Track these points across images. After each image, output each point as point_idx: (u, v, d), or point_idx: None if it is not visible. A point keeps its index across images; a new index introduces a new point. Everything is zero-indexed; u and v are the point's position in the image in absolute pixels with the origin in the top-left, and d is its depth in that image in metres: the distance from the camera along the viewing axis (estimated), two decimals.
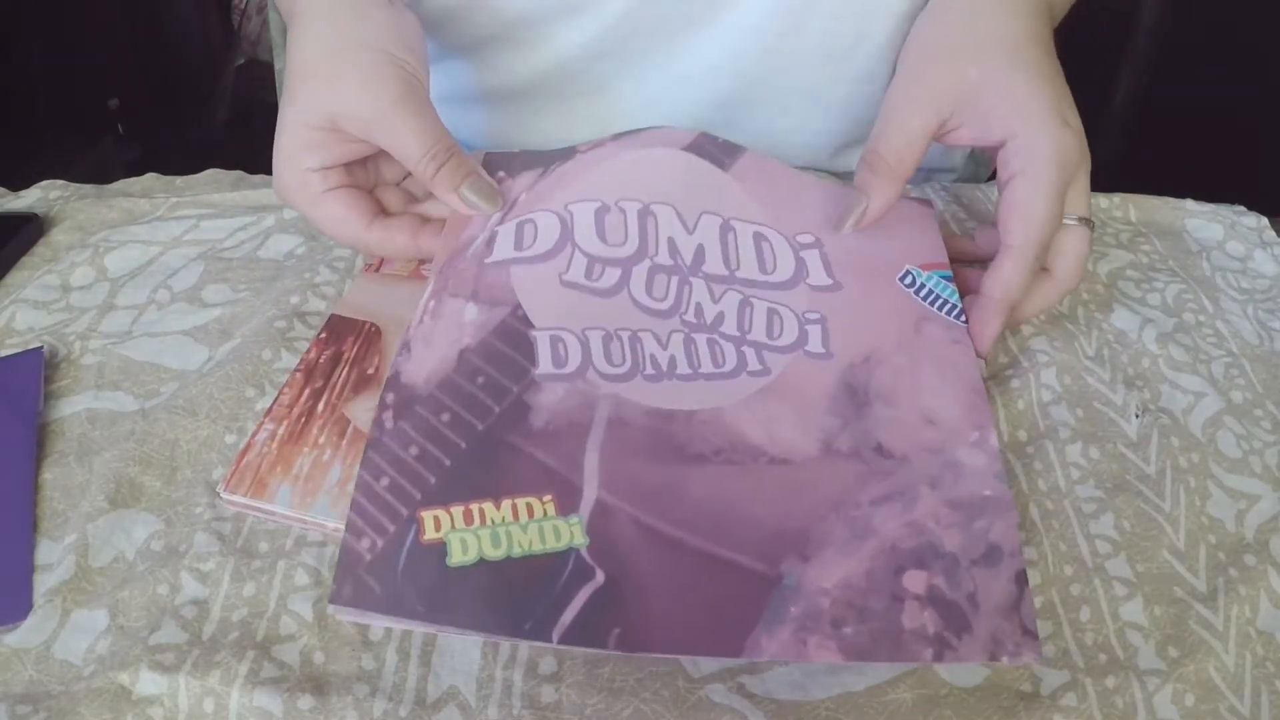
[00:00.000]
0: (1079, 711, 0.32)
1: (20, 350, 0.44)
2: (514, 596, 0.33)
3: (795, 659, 0.32)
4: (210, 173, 0.56)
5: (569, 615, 0.32)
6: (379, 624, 0.34)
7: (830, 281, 0.43)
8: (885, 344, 0.41)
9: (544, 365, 0.39)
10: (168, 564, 0.36)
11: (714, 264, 0.43)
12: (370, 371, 0.41)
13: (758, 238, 0.44)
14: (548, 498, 0.35)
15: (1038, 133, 0.41)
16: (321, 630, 0.34)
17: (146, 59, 1.53)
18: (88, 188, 0.55)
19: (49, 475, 0.39)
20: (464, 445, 0.36)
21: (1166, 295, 0.48)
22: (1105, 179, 0.58)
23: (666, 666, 0.33)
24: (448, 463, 0.36)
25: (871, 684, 0.33)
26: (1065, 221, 0.42)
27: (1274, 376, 0.44)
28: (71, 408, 0.42)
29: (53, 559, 0.36)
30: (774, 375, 0.40)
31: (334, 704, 0.32)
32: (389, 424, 0.37)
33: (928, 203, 0.48)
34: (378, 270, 0.47)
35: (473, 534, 0.34)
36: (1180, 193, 0.55)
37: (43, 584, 0.36)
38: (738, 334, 0.41)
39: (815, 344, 0.41)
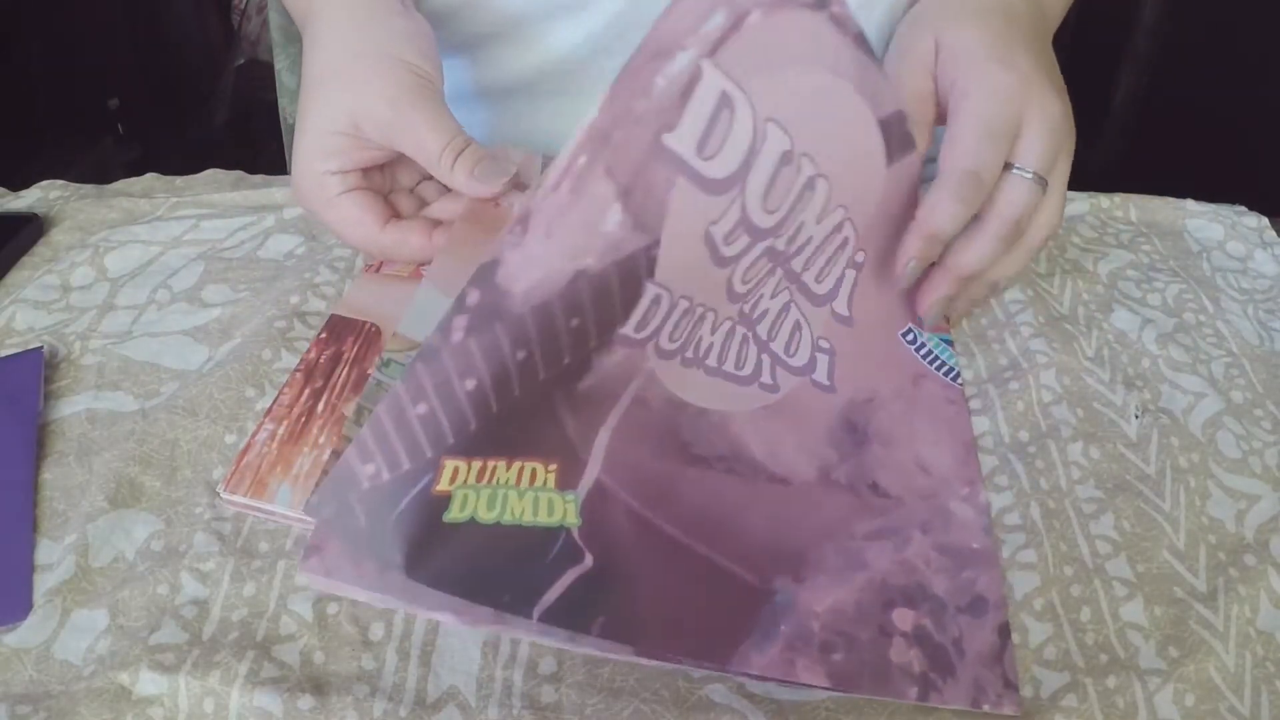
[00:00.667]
0: (1080, 712, 0.32)
1: (20, 350, 0.44)
2: (496, 565, 0.30)
3: (783, 678, 0.31)
4: (210, 173, 0.56)
5: (553, 595, 0.30)
6: (344, 584, 0.29)
7: (846, 314, 0.43)
8: (885, 390, 0.41)
9: (629, 325, 0.34)
10: (168, 564, 0.36)
11: (800, 260, 0.39)
12: (370, 371, 0.41)
13: (838, 229, 0.40)
14: (553, 466, 0.33)
15: (971, 74, 0.41)
16: (321, 630, 0.34)
17: (146, 59, 1.53)
18: (88, 188, 0.55)
19: (49, 475, 0.39)
20: (517, 393, 0.31)
21: (1167, 295, 0.48)
22: (1105, 179, 0.59)
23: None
24: (495, 409, 0.31)
25: None
26: (1017, 172, 0.40)
27: (1274, 376, 0.44)
28: (71, 408, 0.42)
29: (53, 559, 0.36)
30: (781, 394, 0.40)
31: (334, 704, 0.32)
32: (457, 335, 0.29)
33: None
34: (378, 270, 0.47)
35: (474, 490, 0.31)
36: (1180, 193, 0.55)
37: (43, 584, 0.36)
38: (765, 338, 0.40)
39: (822, 375, 0.41)
